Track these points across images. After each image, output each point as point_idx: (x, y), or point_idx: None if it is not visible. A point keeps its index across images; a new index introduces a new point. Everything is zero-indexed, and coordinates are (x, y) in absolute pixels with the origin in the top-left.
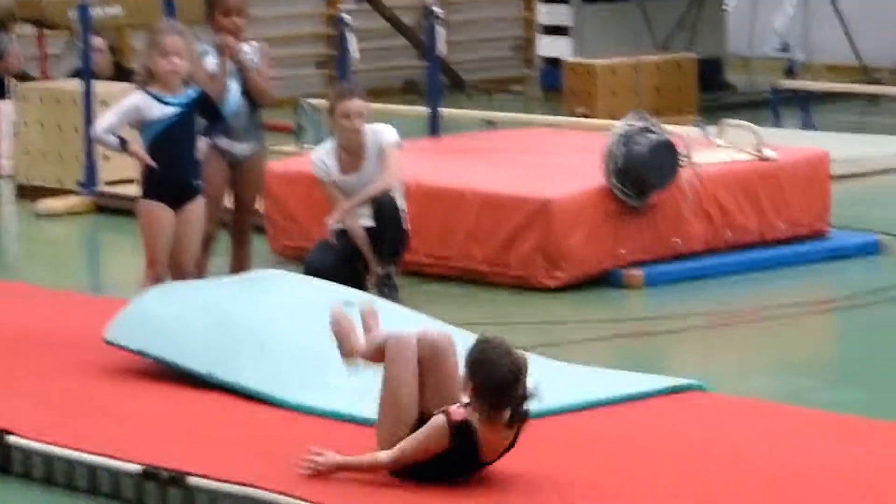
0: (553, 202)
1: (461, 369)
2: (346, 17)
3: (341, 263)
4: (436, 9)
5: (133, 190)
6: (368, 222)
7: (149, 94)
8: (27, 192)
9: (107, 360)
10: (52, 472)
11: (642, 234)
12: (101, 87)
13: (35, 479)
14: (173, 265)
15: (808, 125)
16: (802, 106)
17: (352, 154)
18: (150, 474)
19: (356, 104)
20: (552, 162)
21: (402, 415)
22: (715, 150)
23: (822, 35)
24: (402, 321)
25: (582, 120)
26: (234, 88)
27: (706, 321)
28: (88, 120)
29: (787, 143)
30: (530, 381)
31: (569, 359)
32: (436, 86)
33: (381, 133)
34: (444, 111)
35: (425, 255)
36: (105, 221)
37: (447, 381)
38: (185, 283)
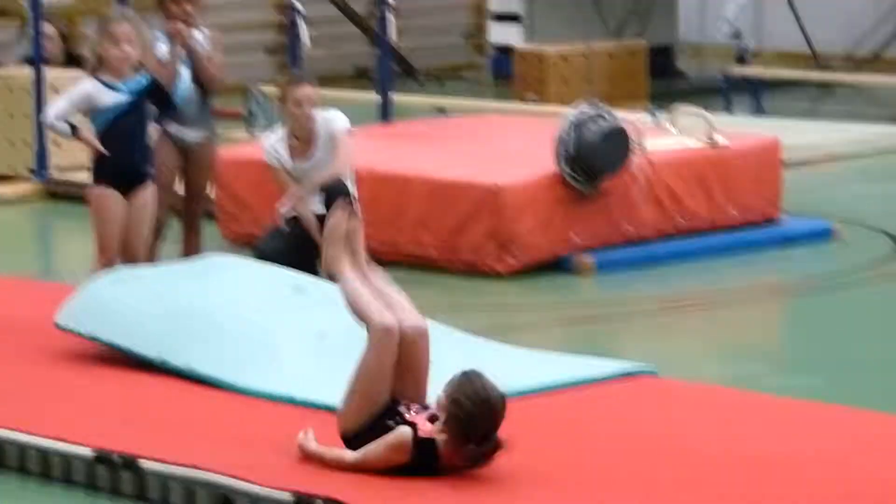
0: (504, 188)
1: (440, 395)
2: (297, 4)
3: (292, 250)
4: None
5: (84, 176)
6: (319, 209)
7: (100, 81)
8: None
9: (58, 345)
10: (3, 457)
11: (593, 221)
12: (52, 74)
13: None
14: (125, 251)
15: (759, 112)
16: (754, 93)
17: (303, 141)
18: (102, 458)
19: (307, 91)
20: (503, 148)
21: (370, 405)
22: (666, 136)
23: (774, 22)
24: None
25: (533, 107)
26: (184, 75)
27: (657, 307)
28: (39, 107)
29: (738, 129)
30: (503, 433)
31: (520, 344)
32: (387, 73)
33: (332, 120)
34: (395, 98)
35: (376, 242)
36: (56, 208)
37: (419, 373)
38: (137, 268)
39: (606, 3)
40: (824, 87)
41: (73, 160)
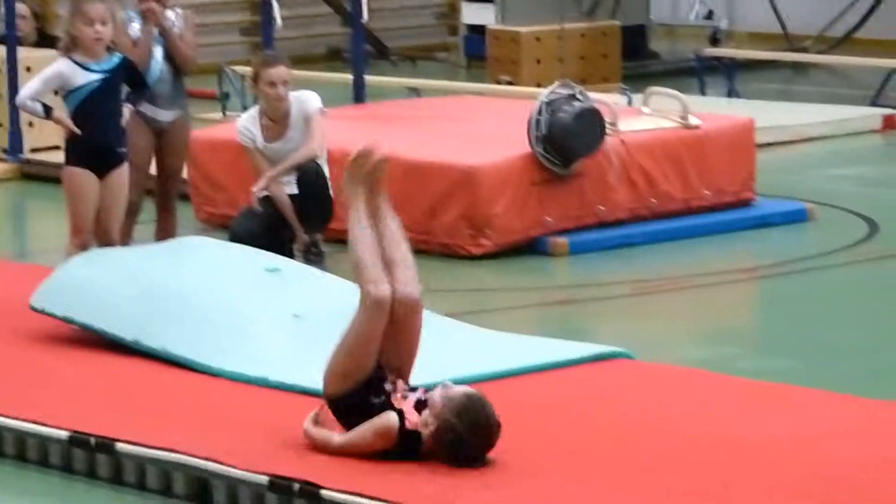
0: (478, 170)
1: (437, 399)
2: None
3: (266, 230)
4: None
5: (58, 157)
6: (293, 189)
7: (73, 61)
8: None
9: (33, 327)
10: None
11: (567, 202)
12: (25, 54)
13: None
14: (99, 232)
15: (732, 93)
16: (727, 74)
17: (276, 121)
18: (77, 441)
19: (280, 71)
20: (477, 130)
21: (356, 369)
22: (640, 117)
23: (747, 3)
24: (328, 289)
25: (507, 88)
26: (157, 55)
27: (631, 289)
28: (13, 87)
29: (711, 110)
30: (491, 454)
31: (494, 326)
32: (360, 53)
33: (305, 100)
34: (369, 79)
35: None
36: (30, 188)
37: (408, 343)
38: (111, 250)
39: None
40: (797, 67)
41: (46, 140)
